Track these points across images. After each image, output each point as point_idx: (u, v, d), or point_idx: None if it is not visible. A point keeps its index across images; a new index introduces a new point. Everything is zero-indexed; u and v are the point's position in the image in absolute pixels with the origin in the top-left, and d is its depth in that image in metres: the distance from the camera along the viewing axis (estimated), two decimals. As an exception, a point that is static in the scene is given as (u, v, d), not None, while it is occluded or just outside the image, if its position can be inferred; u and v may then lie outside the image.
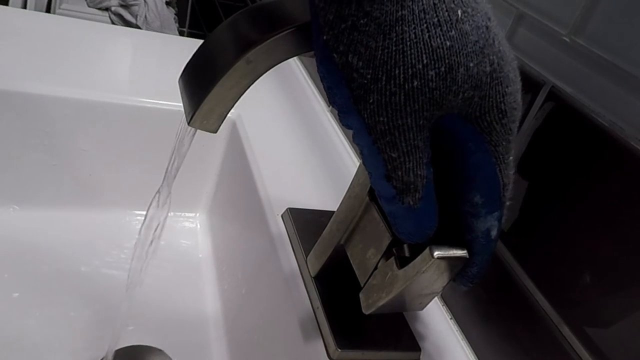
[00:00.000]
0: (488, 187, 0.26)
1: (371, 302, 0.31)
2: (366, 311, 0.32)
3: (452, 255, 0.27)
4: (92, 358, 0.45)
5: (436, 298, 0.42)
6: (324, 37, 0.22)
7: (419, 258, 0.28)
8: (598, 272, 0.30)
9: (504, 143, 0.25)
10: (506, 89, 0.24)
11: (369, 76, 0.22)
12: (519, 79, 0.25)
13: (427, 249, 0.27)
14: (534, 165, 0.35)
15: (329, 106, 0.66)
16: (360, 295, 0.32)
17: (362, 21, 0.21)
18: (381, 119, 0.23)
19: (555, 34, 0.34)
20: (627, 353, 0.28)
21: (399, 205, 0.25)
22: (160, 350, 0.47)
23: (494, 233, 0.27)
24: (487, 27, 0.23)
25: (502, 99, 0.24)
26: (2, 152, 0.54)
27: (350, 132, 0.24)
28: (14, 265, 0.51)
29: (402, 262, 0.29)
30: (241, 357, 0.46)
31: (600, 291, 0.30)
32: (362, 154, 0.25)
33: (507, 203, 0.27)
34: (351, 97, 0.23)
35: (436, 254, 0.27)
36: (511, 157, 0.26)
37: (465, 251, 0.27)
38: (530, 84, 0.35)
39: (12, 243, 0.53)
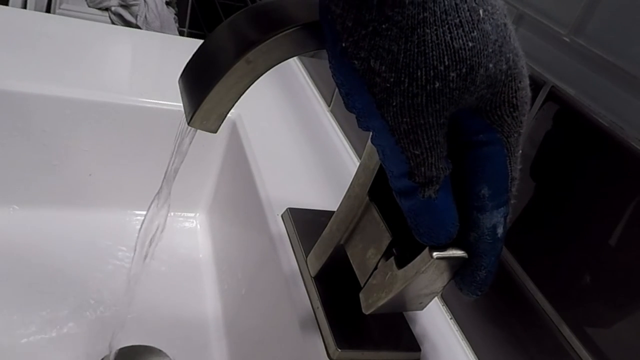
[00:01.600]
0: (496, 179, 0.26)
1: (371, 302, 0.31)
2: (366, 311, 0.32)
3: (451, 255, 0.27)
4: (92, 359, 0.45)
5: (436, 298, 0.42)
6: (343, 44, 0.22)
7: (418, 258, 0.28)
8: (598, 272, 0.30)
9: (515, 135, 0.25)
10: (519, 84, 0.24)
11: (391, 80, 0.22)
12: (528, 72, 0.25)
13: (427, 249, 0.27)
14: (533, 165, 0.35)
15: (329, 106, 0.66)
16: (360, 295, 0.32)
17: (383, 26, 0.21)
18: (405, 119, 0.23)
19: (555, 34, 0.34)
20: (627, 353, 0.28)
21: (418, 199, 0.25)
22: (160, 350, 0.47)
23: (499, 231, 0.27)
24: (505, 25, 0.23)
25: (514, 94, 0.24)
26: (2, 152, 0.54)
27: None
28: (13, 265, 0.51)
29: (402, 262, 0.29)
30: (241, 357, 0.46)
31: (600, 291, 0.30)
32: (383, 154, 0.25)
33: (512, 201, 0.27)
34: (373, 101, 0.23)
35: (435, 254, 0.27)
36: (520, 151, 0.26)
37: (464, 252, 0.27)
38: (530, 84, 0.35)
39: (12, 243, 0.53)
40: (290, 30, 0.25)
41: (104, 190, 0.60)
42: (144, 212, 0.35)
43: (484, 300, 0.38)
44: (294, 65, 0.77)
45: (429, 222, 0.26)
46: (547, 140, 0.34)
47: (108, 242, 0.57)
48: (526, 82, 0.25)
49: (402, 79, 0.22)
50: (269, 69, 0.25)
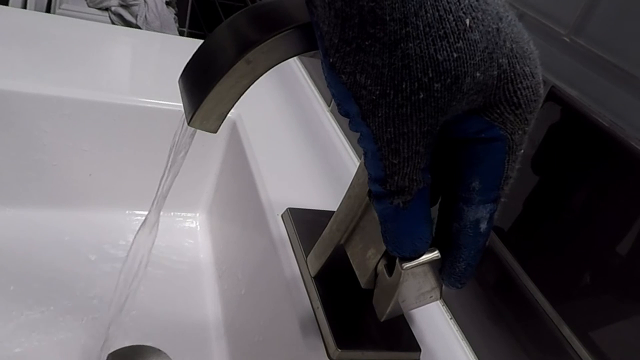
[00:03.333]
0: (490, 175, 0.26)
1: (381, 309, 0.31)
2: (381, 318, 0.31)
3: (422, 261, 0.27)
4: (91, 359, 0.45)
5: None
6: (331, 60, 0.23)
7: (395, 269, 0.28)
8: (598, 272, 0.30)
9: (519, 132, 0.25)
10: (518, 85, 0.24)
11: (377, 92, 0.22)
12: (540, 69, 0.25)
13: (397, 259, 0.28)
14: (533, 165, 0.35)
15: (329, 106, 0.66)
16: (374, 303, 0.32)
17: (366, 42, 0.22)
18: (389, 129, 0.23)
19: (555, 34, 0.34)
20: (627, 353, 0.28)
21: (387, 205, 0.25)
22: (160, 350, 0.47)
23: (483, 226, 0.27)
24: (497, 30, 0.23)
25: (513, 94, 0.24)
26: (1, 152, 0.54)
27: (353, 132, 0.25)
28: (12, 265, 0.51)
29: (392, 269, 0.29)
30: (241, 357, 0.46)
31: (600, 291, 0.30)
32: (365, 157, 0.25)
33: (503, 199, 0.27)
34: (360, 112, 0.23)
35: (404, 265, 0.27)
36: (522, 150, 0.26)
37: (436, 251, 0.27)
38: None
39: (10, 243, 0.53)
40: (290, 30, 0.25)
41: (104, 190, 0.60)
42: (144, 212, 0.35)
43: (484, 300, 0.38)
44: (294, 65, 0.77)
45: (395, 231, 0.26)
46: (547, 140, 0.34)
47: (108, 242, 0.57)
48: (532, 80, 0.25)
49: (388, 91, 0.22)
50: (269, 69, 0.25)
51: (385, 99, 0.22)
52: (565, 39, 0.33)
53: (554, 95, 0.33)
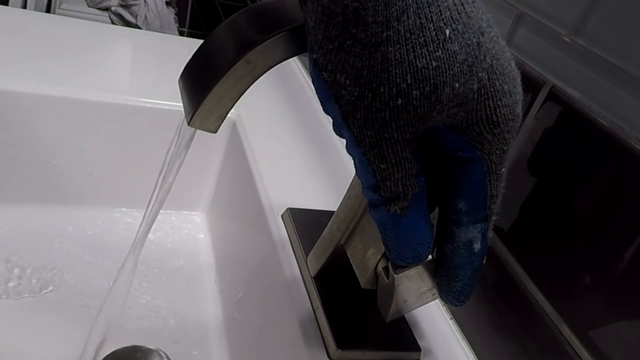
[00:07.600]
0: (474, 196, 0.26)
1: (384, 311, 0.31)
2: (386, 319, 0.31)
3: (412, 265, 0.27)
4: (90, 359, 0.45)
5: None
6: (314, 56, 0.23)
7: (389, 274, 0.29)
8: (598, 272, 0.30)
9: (497, 152, 0.25)
10: (498, 102, 0.24)
11: (356, 94, 0.22)
12: (519, 89, 0.25)
13: (389, 264, 0.28)
14: (533, 165, 0.35)
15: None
16: (378, 304, 0.32)
17: (348, 42, 0.22)
18: (369, 132, 0.23)
19: (555, 34, 0.34)
20: (627, 353, 0.28)
21: (384, 212, 0.25)
22: (159, 350, 0.47)
23: (477, 246, 0.26)
24: (478, 44, 0.23)
25: (493, 112, 0.24)
26: (1, 152, 0.54)
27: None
28: (11, 264, 0.51)
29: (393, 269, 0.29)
30: (241, 357, 0.46)
31: (600, 291, 0.30)
32: (354, 165, 0.25)
33: (494, 218, 0.26)
34: (340, 113, 0.23)
35: (395, 271, 0.28)
36: (504, 169, 0.25)
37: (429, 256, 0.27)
38: (530, 84, 0.35)
39: (10, 243, 0.53)
40: (290, 30, 0.25)
41: (104, 190, 0.60)
42: (144, 212, 0.35)
43: (483, 301, 0.38)
44: (294, 65, 0.77)
45: (395, 238, 0.26)
46: (546, 139, 0.34)
47: (107, 242, 0.57)
48: (512, 99, 0.24)
49: (366, 93, 0.22)
50: (269, 69, 0.25)
51: (363, 101, 0.22)
52: (565, 39, 0.33)
53: (553, 95, 0.33)
